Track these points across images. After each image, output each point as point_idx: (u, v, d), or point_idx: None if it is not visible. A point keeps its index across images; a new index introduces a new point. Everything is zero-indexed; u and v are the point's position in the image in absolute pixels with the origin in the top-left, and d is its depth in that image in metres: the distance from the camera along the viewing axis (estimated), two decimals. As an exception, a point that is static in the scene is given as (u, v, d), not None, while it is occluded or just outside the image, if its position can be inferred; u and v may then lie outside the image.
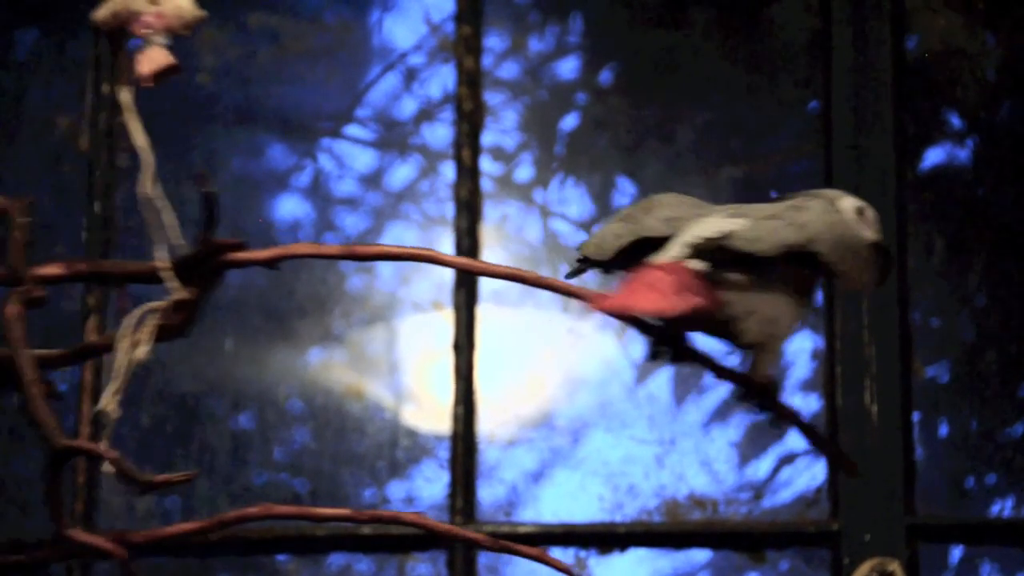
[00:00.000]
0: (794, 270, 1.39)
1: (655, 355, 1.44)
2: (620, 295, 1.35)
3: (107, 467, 1.24)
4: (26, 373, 1.26)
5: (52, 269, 1.35)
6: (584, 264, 1.43)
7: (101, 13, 1.39)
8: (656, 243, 1.41)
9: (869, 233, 1.43)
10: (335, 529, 2.51)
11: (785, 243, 1.37)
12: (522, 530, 2.50)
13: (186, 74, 2.68)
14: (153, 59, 1.39)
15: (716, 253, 1.37)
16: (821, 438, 1.42)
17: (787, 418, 1.41)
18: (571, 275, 1.43)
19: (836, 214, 1.41)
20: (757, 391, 1.41)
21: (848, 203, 1.44)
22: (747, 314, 1.37)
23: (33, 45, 2.71)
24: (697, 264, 1.37)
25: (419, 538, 2.50)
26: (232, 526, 1.36)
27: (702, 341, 1.43)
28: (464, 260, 1.39)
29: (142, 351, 1.31)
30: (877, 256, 1.44)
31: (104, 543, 1.23)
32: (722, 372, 1.42)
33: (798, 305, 1.40)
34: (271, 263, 1.37)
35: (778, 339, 1.41)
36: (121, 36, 1.40)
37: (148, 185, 1.37)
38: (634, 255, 1.41)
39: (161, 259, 1.34)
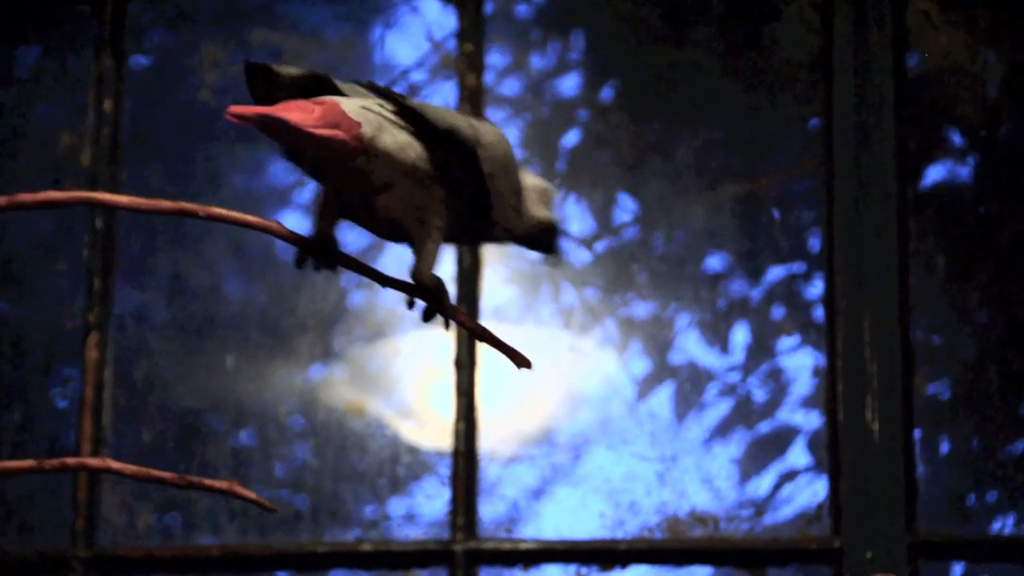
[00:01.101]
0: (448, 176, 1.35)
1: (301, 262, 1.39)
2: (279, 108, 1.32)
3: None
4: None
5: None
6: (265, 75, 1.38)
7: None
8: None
9: (545, 211, 1.42)
10: (335, 546, 2.51)
11: (454, 126, 1.35)
12: (523, 547, 2.50)
13: (188, 91, 2.68)
14: None
15: (384, 106, 1.35)
16: (496, 339, 1.38)
17: (458, 320, 1.38)
18: (253, 76, 1.38)
19: (509, 147, 1.39)
20: (426, 292, 1.37)
21: (530, 179, 1.44)
22: (389, 186, 1.33)
23: (35, 62, 2.71)
24: (358, 110, 1.34)
25: (421, 554, 2.50)
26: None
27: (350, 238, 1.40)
28: (128, 199, 1.35)
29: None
30: (546, 234, 1.42)
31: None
32: (382, 278, 1.38)
33: (447, 215, 1.37)
34: None
35: (437, 232, 1.36)
36: None
37: None
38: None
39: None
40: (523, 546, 2.50)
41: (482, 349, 2.55)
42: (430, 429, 2.57)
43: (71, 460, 1.32)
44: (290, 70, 1.39)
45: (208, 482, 1.32)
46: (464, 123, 1.38)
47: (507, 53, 2.69)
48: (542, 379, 2.59)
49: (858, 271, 2.53)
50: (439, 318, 1.44)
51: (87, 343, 2.56)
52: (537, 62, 2.69)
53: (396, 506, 2.56)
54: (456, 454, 2.51)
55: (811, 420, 2.56)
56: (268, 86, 1.39)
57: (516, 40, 2.69)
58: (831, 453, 2.50)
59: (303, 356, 2.60)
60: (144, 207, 1.32)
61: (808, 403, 2.56)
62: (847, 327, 2.51)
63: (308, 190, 2.69)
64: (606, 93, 2.69)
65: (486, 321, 2.56)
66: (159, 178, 2.66)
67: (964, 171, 2.63)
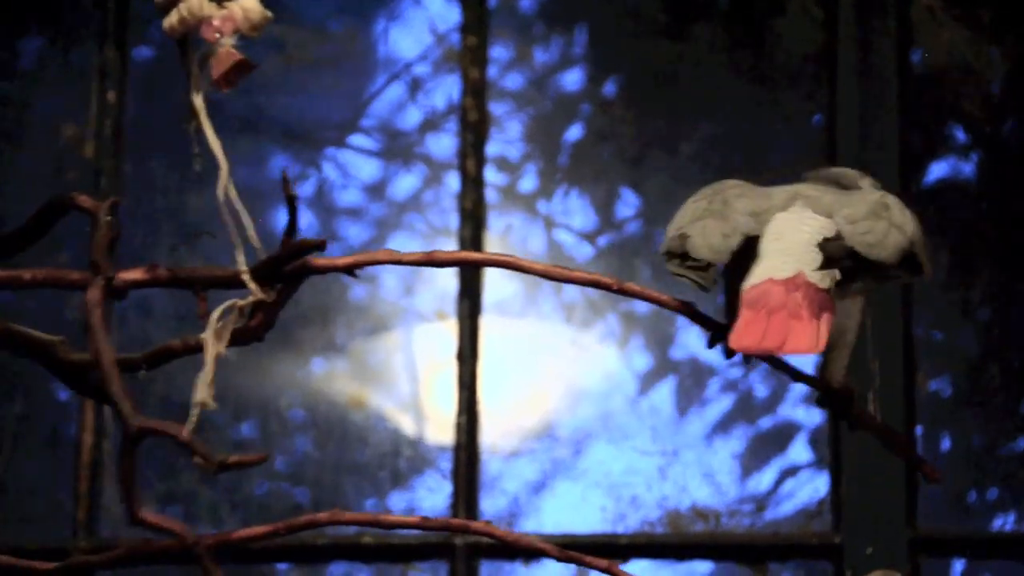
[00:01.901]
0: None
1: (713, 343, 1.32)
2: (764, 328, 1.22)
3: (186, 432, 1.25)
4: (104, 354, 1.26)
5: (135, 274, 1.36)
6: (699, 270, 1.27)
7: (169, 21, 1.39)
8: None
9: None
10: (335, 538, 2.51)
11: (899, 249, 1.26)
12: (524, 541, 2.50)
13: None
14: (224, 61, 1.39)
15: (831, 257, 1.25)
16: (902, 442, 1.35)
17: (865, 425, 1.33)
18: (699, 286, 1.28)
19: (906, 208, 1.32)
20: (835, 397, 1.32)
21: (854, 172, 1.38)
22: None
23: (38, 53, 2.71)
24: (822, 275, 1.24)
25: (420, 547, 2.50)
26: (300, 531, 1.36)
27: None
28: (544, 266, 1.31)
29: (221, 347, 1.31)
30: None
31: (176, 526, 1.23)
32: (797, 375, 1.33)
33: (863, 300, 1.30)
34: (351, 269, 1.36)
35: (851, 334, 1.30)
36: (188, 42, 1.40)
37: (225, 189, 1.37)
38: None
39: (241, 263, 1.35)
40: (524, 540, 2.50)
41: (484, 342, 2.55)
42: (432, 423, 2.57)
43: (302, 520, 1.31)
44: (724, 247, 1.26)
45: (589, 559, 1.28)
46: (897, 232, 1.27)
47: (510, 47, 2.69)
48: (544, 373, 2.59)
49: (860, 267, 2.53)
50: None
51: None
52: (540, 56, 2.69)
53: (397, 499, 2.56)
54: (458, 448, 2.51)
55: (812, 416, 2.56)
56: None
57: (520, 34, 2.69)
58: (832, 449, 2.50)
59: (305, 349, 2.60)
60: (558, 276, 1.28)
61: (810, 399, 2.56)
62: (849, 323, 2.51)
63: (310, 183, 2.68)
64: (609, 88, 2.69)
65: (488, 316, 2.56)
66: (162, 170, 2.66)
67: (967, 168, 2.63)
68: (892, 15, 2.59)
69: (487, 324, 2.56)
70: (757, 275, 1.26)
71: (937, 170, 2.61)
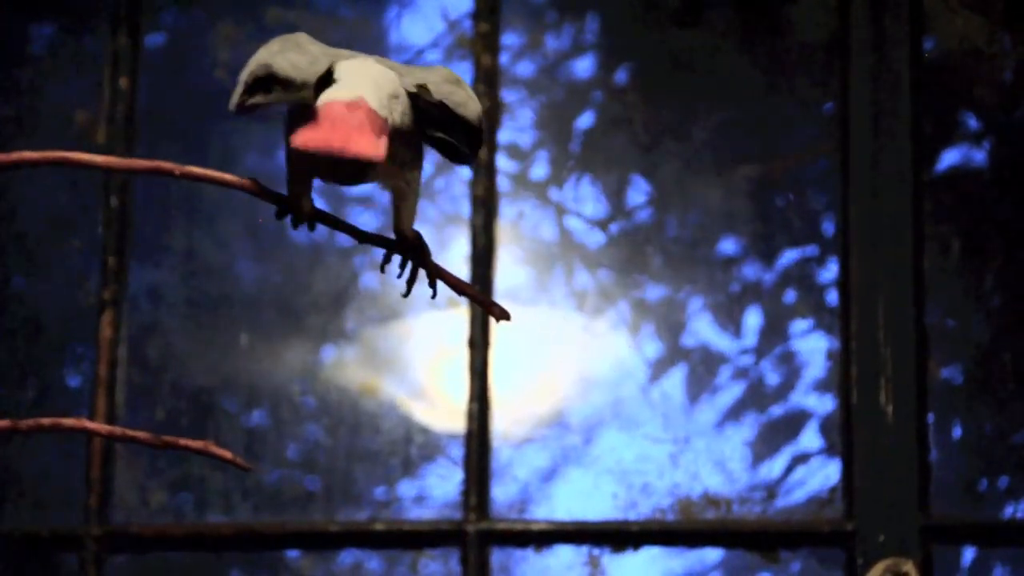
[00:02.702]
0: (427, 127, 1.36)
1: (281, 216, 1.39)
2: (328, 132, 1.29)
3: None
4: None
5: None
6: (287, 91, 1.35)
7: None
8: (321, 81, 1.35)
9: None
10: (347, 525, 2.51)
11: (478, 115, 1.35)
12: (535, 528, 2.50)
13: (203, 70, 2.68)
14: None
15: (419, 107, 1.33)
16: (467, 286, 1.38)
17: (437, 273, 1.38)
18: (250, 104, 1.36)
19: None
20: (408, 246, 1.38)
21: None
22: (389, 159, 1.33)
23: (50, 39, 2.71)
24: (383, 106, 1.32)
25: (431, 534, 2.51)
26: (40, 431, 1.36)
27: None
28: (103, 159, 1.34)
29: None
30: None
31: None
32: (360, 234, 1.38)
33: (422, 166, 1.37)
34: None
35: (417, 185, 1.37)
36: None
37: None
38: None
39: None
40: (535, 527, 2.50)
41: (496, 330, 2.55)
42: (443, 410, 2.57)
43: (46, 420, 1.32)
44: (311, 72, 1.34)
45: (183, 442, 1.32)
46: (473, 101, 1.37)
47: (522, 34, 2.68)
48: (555, 361, 2.59)
49: (873, 255, 2.53)
50: (421, 276, 1.44)
51: (101, 321, 2.57)
52: (552, 43, 2.68)
53: (408, 487, 2.56)
54: (469, 435, 2.51)
55: (824, 403, 2.56)
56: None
57: (531, 21, 2.68)
58: (844, 436, 2.50)
59: (316, 336, 2.60)
60: (118, 166, 1.32)
61: (821, 386, 2.56)
62: (861, 310, 2.51)
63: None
64: (621, 75, 2.68)
65: (500, 302, 2.56)
66: (174, 156, 2.66)
67: (980, 155, 2.62)
68: (905, 2, 2.59)
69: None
70: (323, 98, 1.32)
71: (949, 157, 2.61)
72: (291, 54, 1.37)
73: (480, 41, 2.63)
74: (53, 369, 2.62)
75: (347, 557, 2.55)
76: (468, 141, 1.38)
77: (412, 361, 2.60)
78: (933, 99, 2.59)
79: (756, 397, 2.57)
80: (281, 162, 2.75)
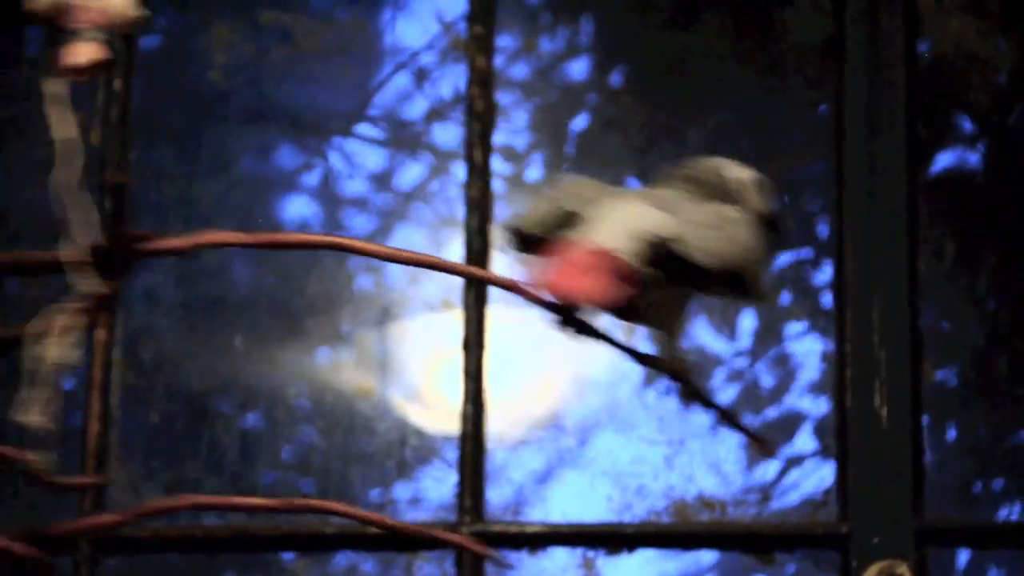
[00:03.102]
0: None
1: (561, 331, 1.39)
2: (556, 276, 1.30)
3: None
4: None
5: None
6: (521, 240, 1.37)
7: (38, 3, 1.39)
8: (572, 221, 1.37)
9: (759, 203, 1.40)
10: (342, 527, 2.51)
11: (726, 261, 1.33)
12: (530, 530, 2.50)
13: (197, 71, 2.68)
14: (82, 53, 1.39)
15: (653, 248, 1.33)
16: (736, 421, 1.40)
17: (699, 400, 1.39)
18: (517, 251, 1.39)
19: (753, 227, 1.36)
20: (674, 374, 1.40)
21: (746, 176, 1.41)
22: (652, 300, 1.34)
23: (44, 40, 2.71)
24: (632, 256, 1.32)
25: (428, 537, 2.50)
26: (151, 517, 1.35)
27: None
28: (377, 247, 1.35)
29: (64, 353, 1.30)
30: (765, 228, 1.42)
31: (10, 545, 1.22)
32: (634, 354, 1.39)
33: (691, 299, 1.37)
34: (186, 252, 1.35)
35: (677, 316, 1.38)
36: (56, 27, 1.40)
37: (63, 177, 1.36)
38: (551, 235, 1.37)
39: (70, 251, 1.33)
40: (530, 529, 2.50)
41: (491, 332, 2.55)
42: (437, 412, 2.57)
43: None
44: (537, 217, 1.35)
45: (438, 533, 1.32)
46: (728, 244, 1.34)
47: (517, 36, 2.68)
48: (550, 363, 2.59)
49: (867, 257, 2.53)
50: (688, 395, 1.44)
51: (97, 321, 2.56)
52: (547, 45, 2.68)
53: (403, 489, 2.56)
54: (464, 437, 2.51)
55: (819, 406, 2.56)
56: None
57: (526, 23, 2.69)
58: (839, 439, 2.50)
59: (311, 338, 2.60)
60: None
61: (816, 389, 2.56)
62: (856, 313, 2.51)
63: (315, 173, 2.68)
64: (616, 77, 2.68)
65: (494, 305, 2.56)
66: (168, 158, 2.66)
67: (974, 158, 2.62)
68: (900, 4, 2.59)
69: (493, 313, 2.56)
70: (575, 237, 1.34)
71: (944, 160, 2.61)
72: (540, 204, 1.38)
73: (474, 43, 2.63)
74: (47, 371, 2.61)
75: (342, 559, 2.55)
76: (734, 280, 1.35)
77: (407, 363, 2.60)
78: (928, 102, 2.60)
79: (751, 399, 2.57)
80: (275, 166, 2.75)
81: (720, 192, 1.39)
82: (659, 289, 1.33)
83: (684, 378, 1.38)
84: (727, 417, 1.39)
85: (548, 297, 1.31)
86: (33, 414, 1.23)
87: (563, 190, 1.40)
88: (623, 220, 1.35)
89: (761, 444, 1.41)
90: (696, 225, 1.34)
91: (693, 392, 1.37)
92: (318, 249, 1.31)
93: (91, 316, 1.31)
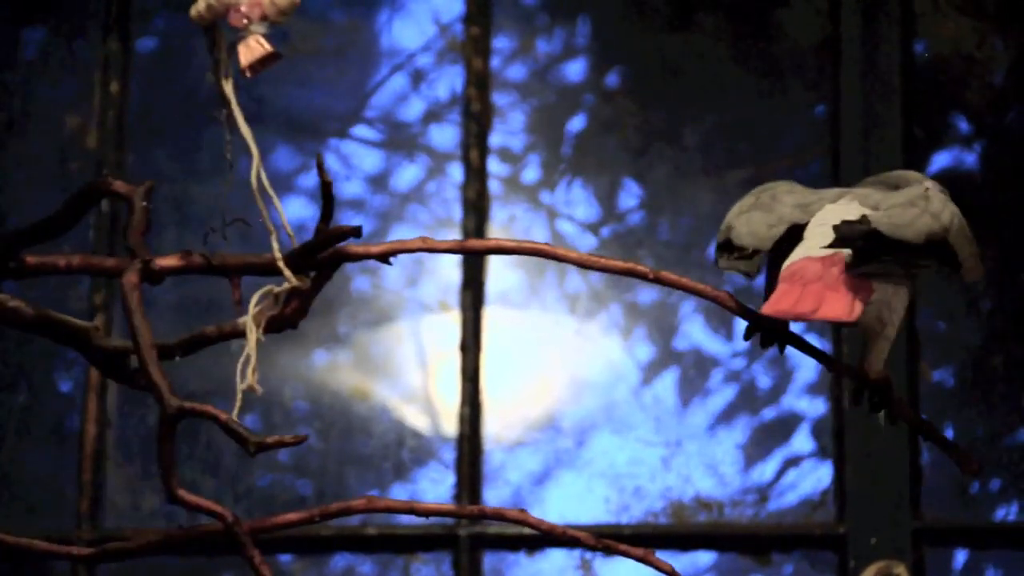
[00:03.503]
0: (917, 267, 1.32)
1: (750, 335, 1.37)
2: (797, 296, 1.27)
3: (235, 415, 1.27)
4: (142, 337, 1.27)
5: (170, 261, 1.37)
6: (742, 256, 1.34)
7: (196, 8, 1.39)
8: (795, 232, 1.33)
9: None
10: (339, 530, 2.51)
11: (928, 232, 1.30)
12: (527, 531, 2.50)
13: (194, 74, 2.68)
14: (252, 49, 1.39)
15: (865, 240, 1.29)
16: (942, 437, 1.36)
17: (905, 416, 1.35)
18: (745, 272, 1.35)
19: (951, 203, 1.36)
20: (873, 387, 1.34)
21: (936, 187, 1.39)
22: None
23: (41, 44, 2.71)
24: (848, 253, 1.28)
25: (424, 538, 2.50)
26: (334, 517, 1.38)
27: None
28: (577, 254, 1.35)
29: (258, 333, 1.33)
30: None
31: (215, 507, 1.25)
32: (835, 365, 1.35)
33: (908, 293, 1.33)
34: (384, 257, 1.37)
35: (892, 327, 1.33)
36: (217, 30, 1.40)
37: (257, 176, 1.38)
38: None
39: (275, 251, 1.36)
40: (527, 531, 2.50)
41: (488, 333, 2.55)
42: (435, 414, 2.57)
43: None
44: (767, 235, 1.32)
45: (623, 547, 1.32)
46: (928, 218, 1.31)
47: (514, 37, 2.68)
48: (547, 364, 2.59)
49: (864, 258, 2.53)
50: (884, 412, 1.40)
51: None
52: (543, 47, 2.68)
53: (400, 490, 2.56)
54: (461, 439, 2.51)
55: (816, 407, 2.56)
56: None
57: (523, 24, 2.69)
58: (836, 440, 2.50)
59: (308, 340, 2.60)
60: (593, 264, 1.32)
61: (813, 390, 2.56)
62: (852, 314, 2.51)
63: (312, 174, 2.68)
64: (612, 78, 2.68)
65: (491, 306, 2.56)
66: (165, 161, 2.66)
67: (971, 158, 2.62)
68: (896, 5, 2.59)
69: (490, 315, 2.56)
70: (795, 255, 1.31)
71: (940, 160, 2.61)
72: (755, 214, 1.35)
73: (471, 45, 2.63)
74: (44, 373, 2.62)
75: (340, 561, 2.55)
76: (941, 257, 1.32)
77: (404, 365, 2.60)
78: (924, 102, 2.60)
79: (748, 400, 2.57)
80: (272, 167, 2.74)
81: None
82: (879, 286, 1.29)
83: (889, 390, 1.33)
84: (930, 432, 1.36)
85: (787, 319, 1.28)
86: (254, 382, 1.31)
87: (775, 199, 1.37)
88: (831, 222, 1.31)
89: (967, 462, 1.38)
90: (895, 207, 1.31)
91: (895, 408, 1.33)
92: (513, 254, 1.32)
93: (291, 310, 1.34)
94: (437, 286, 2.60)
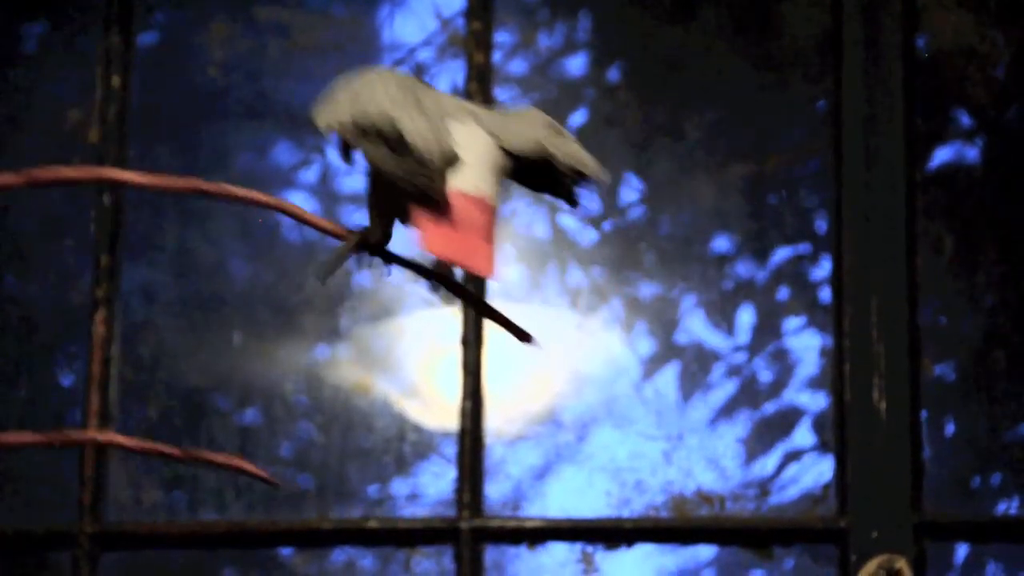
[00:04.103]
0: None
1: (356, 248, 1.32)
2: (452, 238, 1.20)
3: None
4: None
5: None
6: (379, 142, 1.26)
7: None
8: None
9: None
10: (340, 523, 2.51)
11: (598, 169, 1.29)
12: (529, 525, 2.50)
13: (196, 68, 2.68)
14: None
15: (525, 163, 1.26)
16: (492, 310, 1.34)
17: (465, 297, 1.32)
18: (426, 179, 1.24)
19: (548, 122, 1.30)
20: (442, 279, 1.30)
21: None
22: None
23: (42, 38, 2.71)
24: (497, 194, 1.25)
25: (425, 531, 2.51)
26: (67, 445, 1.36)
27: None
28: (141, 176, 1.31)
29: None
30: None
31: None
32: (422, 271, 1.30)
33: None
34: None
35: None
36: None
37: None
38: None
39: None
40: (529, 524, 2.50)
41: (489, 328, 2.55)
42: (436, 408, 2.57)
43: (76, 434, 1.31)
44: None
45: (211, 456, 1.31)
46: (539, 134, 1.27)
47: (515, 32, 2.68)
48: (548, 358, 2.60)
49: (865, 252, 2.53)
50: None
51: (94, 319, 2.56)
52: (545, 41, 2.68)
53: (401, 484, 2.56)
54: (463, 433, 2.51)
55: (817, 401, 2.56)
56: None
57: (524, 19, 2.69)
58: (837, 434, 2.50)
59: (310, 334, 2.60)
60: (156, 184, 1.29)
61: (814, 384, 2.56)
62: (854, 308, 2.51)
63: (313, 169, 2.69)
64: (613, 73, 2.68)
65: (492, 301, 2.56)
66: (167, 155, 2.66)
67: (973, 152, 2.62)
68: (897, 0, 2.59)
69: (492, 309, 2.55)
70: (453, 183, 1.23)
71: (942, 155, 2.61)
72: (414, 113, 1.26)
73: (472, 39, 2.63)
74: (45, 367, 2.62)
75: (340, 555, 2.55)
76: (570, 186, 1.29)
77: (405, 359, 2.60)
78: (926, 97, 2.60)
79: (749, 394, 2.57)
80: (273, 162, 2.74)
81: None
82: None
83: (453, 281, 1.30)
84: (493, 313, 1.34)
85: (429, 258, 1.23)
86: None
87: (370, 86, 1.29)
88: (484, 156, 1.25)
89: (523, 335, 1.35)
90: (550, 139, 1.28)
91: (461, 292, 1.31)
92: (75, 183, 1.29)
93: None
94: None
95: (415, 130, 1.25)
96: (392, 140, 1.25)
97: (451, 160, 1.24)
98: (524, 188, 1.30)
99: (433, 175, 1.23)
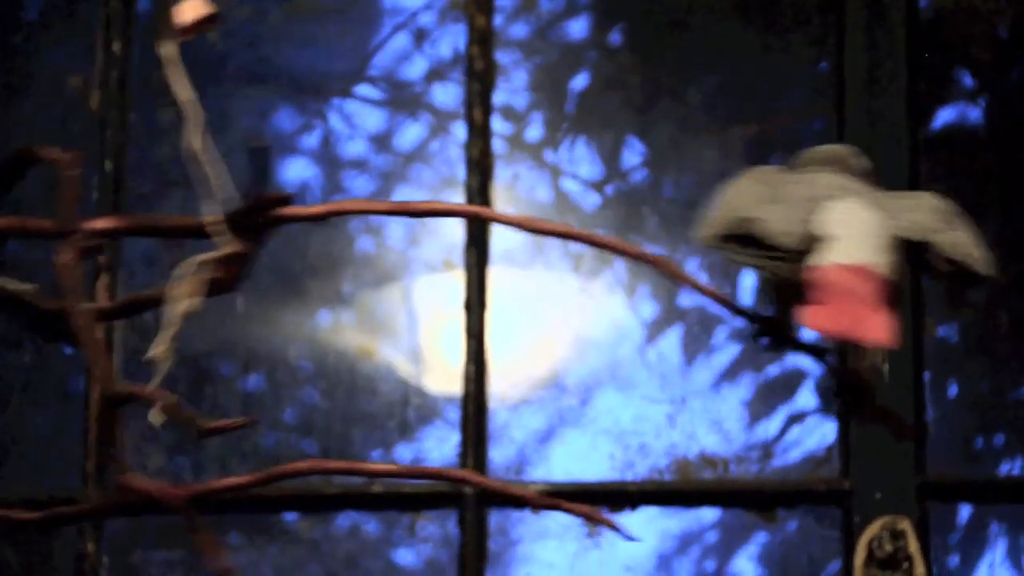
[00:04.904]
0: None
1: (757, 336, 1.33)
2: (838, 312, 1.21)
3: (156, 414, 1.25)
4: (80, 320, 1.26)
5: (104, 223, 1.36)
6: (772, 255, 1.27)
7: None
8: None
9: None
10: (344, 487, 2.52)
11: (988, 265, 1.29)
12: (533, 489, 2.50)
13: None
14: (191, 9, 1.39)
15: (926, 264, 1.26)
16: (910, 431, 1.35)
17: (874, 419, 1.33)
18: (776, 274, 1.28)
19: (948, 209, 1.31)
20: (855, 388, 1.33)
21: (865, 161, 1.36)
22: None
23: (43, 4, 2.70)
24: (890, 268, 1.25)
25: (429, 496, 2.51)
26: (282, 480, 1.37)
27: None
28: (520, 218, 1.33)
29: (193, 302, 1.31)
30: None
31: (160, 490, 1.24)
32: (833, 368, 1.34)
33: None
34: (322, 218, 1.36)
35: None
36: None
37: (194, 140, 1.36)
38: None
39: (210, 213, 1.34)
40: (533, 488, 2.51)
41: (492, 292, 2.55)
42: (440, 373, 2.58)
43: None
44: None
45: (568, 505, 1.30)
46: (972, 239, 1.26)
47: (516, -5, 2.68)
48: (551, 323, 2.60)
49: (868, 214, 2.52)
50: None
51: (97, 286, 2.56)
52: (546, 4, 2.68)
53: (405, 449, 2.56)
54: (466, 397, 2.51)
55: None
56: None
57: (525, -18, 2.68)
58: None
59: (313, 300, 2.60)
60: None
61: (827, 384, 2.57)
62: (857, 270, 2.51)
63: (315, 134, 2.68)
64: (615, 36, 2.68)
65: (496, 265, 2.56)
66: (167, 121, 2.66)
67: (976, 113, 2.62)
68: (899, -40, 2.58)
69: (495, 274, 2.56)
70: (826, 258, 1.24)
71: (945, 115, 2.61)
72: (778, 208, 1.28)
73: (473, 2, 2.62)
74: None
75: (344, 520, 2.56)
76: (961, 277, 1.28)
77: (409, 324, 2.60)
78: (928, 58, 2.59)
79: (752, 357, 2.57)
80: (274, 128, 2.74)
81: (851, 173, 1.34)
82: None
83: (870, 395, 1.31)
84: (908, 434, 1.34)
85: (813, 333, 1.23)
86: (162, 352, 1.28)
87: (735, 191, 1.31)
88: (865, 229, 1.26)
89: (903, 429, 1.35)
90: (926, 220, 1.27)
91: (870, 412, 1.31)
92: (448, 216, 1.31)
93: (228, 273, 1.32)
94: (441, 245, 2.60)
95: (769, 220, 1.28)
96: (753, 236, 1.28)
97: (810, 240, 1.24)
98: (913, 267, 1.30)
99: (791, 258, 1.24)
